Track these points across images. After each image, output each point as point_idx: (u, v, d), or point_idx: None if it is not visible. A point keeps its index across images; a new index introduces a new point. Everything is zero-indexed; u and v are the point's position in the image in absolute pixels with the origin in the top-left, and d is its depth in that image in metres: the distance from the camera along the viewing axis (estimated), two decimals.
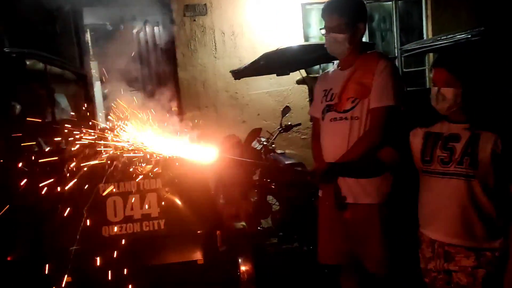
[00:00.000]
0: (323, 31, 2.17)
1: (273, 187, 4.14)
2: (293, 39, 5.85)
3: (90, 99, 5.15)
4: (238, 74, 4.64)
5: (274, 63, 4.23)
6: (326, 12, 2.16)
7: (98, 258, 2.55)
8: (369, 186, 2.07)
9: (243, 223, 3.44)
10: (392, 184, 2.09)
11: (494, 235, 1.74)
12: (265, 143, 4.21)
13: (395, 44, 6.31)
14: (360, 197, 2.08)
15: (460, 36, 3.64)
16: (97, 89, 7.31)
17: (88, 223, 2.55)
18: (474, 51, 1.81)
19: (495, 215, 1.74)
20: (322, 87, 2.27)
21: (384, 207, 2.07)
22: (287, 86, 5.94)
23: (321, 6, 6.22)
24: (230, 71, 4.82)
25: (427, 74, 6.48)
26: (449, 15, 6.31)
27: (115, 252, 2.62)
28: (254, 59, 4.35)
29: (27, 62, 3.17)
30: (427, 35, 6.32)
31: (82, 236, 2.53)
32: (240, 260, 3.03)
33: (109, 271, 2.49)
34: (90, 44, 6.88)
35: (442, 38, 3.96)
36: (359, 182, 2.09)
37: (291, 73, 4.91)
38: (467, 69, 1.76)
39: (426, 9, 6.36)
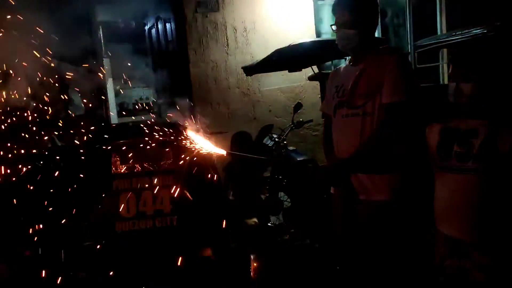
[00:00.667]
0: (334, 27, 2.15)
1: (284, 183, 4.15)
2: (305, 35, 5.81)
3: (102, 96, 5.19)
4: (250, 70, 4.64)
5: (286, 59, 4.21)
6: (337, 8, 2.14)
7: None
8: (381, 182, 2.05)
9: (255, 220, 3.45)
10: (405, 181, 2.06)
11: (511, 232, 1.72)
12: (276, 139, 4.21)
13: (408, 40, 6.24)
14: (372, 194, 2.06)
15: (475, 31, 3.57)
16: (109, 86, 7.37)
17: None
18: (492, 46, 1.78)
19: None
20: (334, 83, 2.26)
21: (396, 203, 2.05)
22: (299, 83, 5.92)
23: (333, 1, 6.17)
24: (242, 68, 4.81)
25: (441, 70, 6.40)
26: (464, 10, 6.21)
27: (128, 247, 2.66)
28: (266, 55, 4.34)
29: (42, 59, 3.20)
30: (441, 31, 6.23)
31: None
32: (252, 257, 3.05)
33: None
34: (102, 41, 6.93)
35: (457, 33, 3.90)
36: (371, 179, 2.07)
37: (303, 70, 4.89)
38: (485, 64, 1.74)
39: (440, 3, 6.27)
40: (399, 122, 1.99)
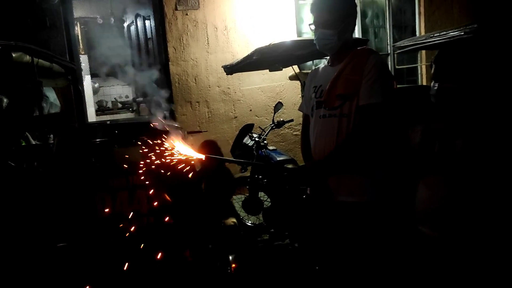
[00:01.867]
0: (313, 27, 2.14)
1: (264, 183, 4.13)
2: (286, 34, 5.81)
3: (79, 93, 5.07)
4: (231, 69, 4.60)
5: (267, 58, 4.18)
6: (316, 8, 2.12)
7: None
8: (358, 183, 2.05)
9: (234, 220, 3.42)
10: (382, 182, 2.06)
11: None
12: (257, 139, 4.18)
13: (388, 41, 6.31)
14: (348, 195, 2.06)
15: (453, 33, 3.62)
16: (87, 83, 7.22)
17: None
18: (472, 48, 1.80)
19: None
20: (313, 84, 2.25)
21: (373, 205, 2.05)
22: (280, 82, 5.91)
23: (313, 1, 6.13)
24: (222, 66, 4.77)
25: (419, 71, 6.49)
26: (442, 13, 6.32)
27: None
28: (246, 54, 4.31)
29: (14, 55, 3.10)
30: (420, 32, 6.32)
31: None
32: (230, 257, 3.02)
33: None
34: (80, 37, 6.78)
35: (435, 35, 3.94)
36: (347, 180, 2.06)
37: (284, 69, 4.87)
38: (466, 65, 1.75)
39: (419, 6, 6.36)
40: (375, 124, 1.99)
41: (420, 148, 1.87)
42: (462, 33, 3.48)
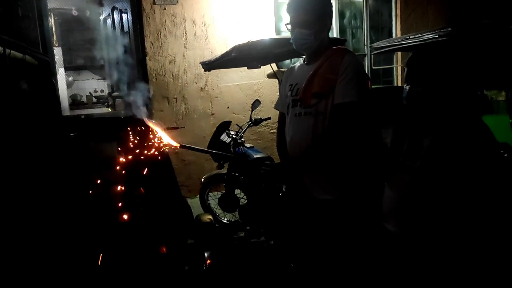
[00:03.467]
0: (289, 26, 2.15)
1: (241, 180, 4.13)
2: (264, 32, 5.82)
3: (53, 87, 4.94)
4: (209, 65, 4.58)
5: (245, 55, 4.18)
6: (292, 8, 2.14)
7: None
8: (331, 181, 2.08)
9: (210, 216, 3.42)
10: (355, 180, 2.10)
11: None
12: (234, 136, 4.18)
13: (365, 42, 6.40)
14: (322, 193, 2.09)
15: (428, 35, 3.70)
16: (61, 76, 7.05)
17: None
18: (445, 51, 1.84)
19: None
20: (288, 82, 2.27)
21: (347, 202, 2.08)
22: (258, 80, 5.92)
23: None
24: (200, 63, 4.75)
25: (394, 72, 6.62)
26: (418, 15, 6.46)
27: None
28: (225, 51, 4.30)
29: None
30: (396, 34, 6.44)
31: None
32: (206, 254, 3.02)
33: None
34: (54, 29, 6.62)
35: (411, 37, 4.03)
36: (321, 177, 2.09)
37: (262, 67, 4.88)
38: (438, 69, 1.79)
39: (396, 8, 6.48)
40: (350, 122, 2.02)
41: (390, 148, 1.91)
42: (437, 36, 3.57)
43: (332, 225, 2.08)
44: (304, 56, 2.30)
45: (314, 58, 2.15)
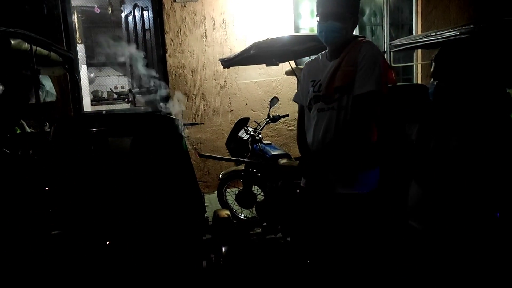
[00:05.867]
0: (319, 18, 2.14)
1: (258, 176, 4.16)
2: (284, 29, 5.82)
3: (75, 83, 5.06)
4: (228, 62, 4.61)
5: (264, 52, 4.20)
6: None
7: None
8: (356, 175, 2.07)
9: (227, 212, 3.44)
10: (381, 174, 2.09)
11: None
12: (252, 133, 4.21)
13: (385, 39, 6.34)
14: (347, 187, 2.08)
15: (449, 33, 3.65)
16: (83, 73, 7.20)
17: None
18: (469, 49, 1.82)
19: None
20: (310, 77, 2.26)
21: (371, 197, 2.07)
22: (276, 77, 5.93)
23: None
24: (220, 59, 4.78)
25: (414, 70, 6.54)
26: (439, 12, 6.36)
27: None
28: (243, 48, 4.32)
29: (12, 42, 3.08)
30: (416, 31, 6.36)
31: None
32: (223, 249, 3.04)
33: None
34: (77, 26, 6.75)
35: (432, 34, 3.97)
36: (345, 172, 2.08)
37: (280, 64, 4.89)
38: (466, 65, 1.78)
39: (417, 5, 6.39)
40: (369, 112, 2.01)
41: (415, 146, 1.90)
42: (458, 33, 3.51)
43: (354, 219, 2.08)
44: (323, 51, 2.30)
45: (337, 54, 2.15)
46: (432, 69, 1.87)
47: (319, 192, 2.16)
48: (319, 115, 2.14)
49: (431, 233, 1.84)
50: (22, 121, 4.34)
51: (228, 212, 3.44)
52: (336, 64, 2.11)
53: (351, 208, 2.07)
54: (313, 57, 2.39)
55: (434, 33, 3.94)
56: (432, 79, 1.87)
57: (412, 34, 6.35)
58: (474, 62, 1.81)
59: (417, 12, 6.41)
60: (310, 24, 6.19)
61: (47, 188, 2.76)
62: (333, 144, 2.07)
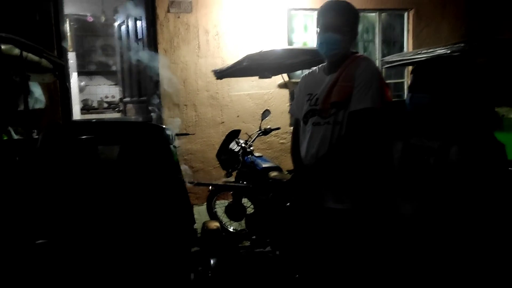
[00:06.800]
0: (319, 30, 2.14)
1: (250, 186, 4.13)
2: (277, 42, 5.85)
3: (66, 90, 5.01)
4: (220, 74, 4.62)
5: (257, 65, 4.21)
6: (329, 10, 2.12)
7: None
8: (346, 191, 2.06)
9: (217, 224, 3.41)
10: (371, 189, 2.08)
11: None
12: (243, 145, 4.19)
13: (377, 55, 6.41)
14: (335, 202, 2.07)
15: (440, 50, 3.70)
16: (74, 81, 7.15)
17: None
18: (452, 64, 1.85)
19: None
20: (307, 90, 2.25)
21: (359, 213, 2.06)
22: (268, 90, 5.94)
23: (306, 12, 6.25)
24: (212, 71, 4.78)
25: (406, 86, 6.60)
26: (431, 31, 6.46)
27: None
28: (237, 60, 4.33)
29: (3, 47, 3.05)
30: (408, 49, 6.45)
31: None
32: (212, 262, 3.00)
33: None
34: (69, 34, 6.73)
35: (423, 52, 4.03)
36: (336, 187, 2.08)
37: (273, 77, 4.91)
38: (443, 78, 1.80)
39: (408, 23, 6.49)
40: (364, 129, 2.00)
41: (399, 164, 1.90)
42: (449, 51, 3.56)
43: (343, 235, 2.06)
44: (320, 65, 2.29)
45: (334, 68, 2.15)
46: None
47: (310, 206, 2.14)
48: (314, 128, 2.14)
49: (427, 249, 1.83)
50: (9, 127, 4.27)
51: (218, 224, 3.40)
52: (334, 78, 2.11)
53: (341, 223, 2.06)
54: (307, 71, 2.39)
55: (425, 51, 4.00)
56: (409, 92, 1.90)
57: (403, 51, 6.44)
58: (450, 74, 1.83)
59: (408, 30, 6.51)
60: (303, 38, 6.24)
61: (33, 196, 2.71)
62: (327, 159, 2.06)
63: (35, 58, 3.52)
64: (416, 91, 1.84)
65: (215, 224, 3.26)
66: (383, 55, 6.21)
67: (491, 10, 6.42)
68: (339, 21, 2.07)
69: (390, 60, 4.68)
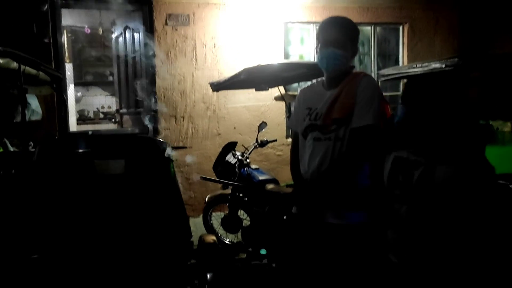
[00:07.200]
0: (320, 45, 2.15)
1: (245, 201, 4.13)
2: (273, 55, 5.90)
3: (62, 102, 5.02)
4: (217, 86, 4.64)
5: (254, 78, 4.24)
6: (331, 26, 2.14)
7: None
8: (348, 207, 2.06)
9: (213, 238, 3.40)
10: (372, 206, 2.09)
11: None
12: (240, 157, 4.20)
13: (372, 68, 6.47)
14: (338, 218, 2.07)
15: (435, 65, 3.74)
16: (70, 92, 7.15)
17: None
18: (445, 79, 1.88)
19: None
20: (306, 105, 2.25)
21: (361, 229, 2.06)
22: (265, 102, 5.97)
23: (303, 25, 6.30)
24: (209, 83, 4.80)
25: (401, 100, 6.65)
26: (424, 44, 6.54)
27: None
28: (233, 73, 4.35)
29: (1, 61, 3.06)
30: (403, 62, 6.52)
31: None
32: (208, 276, 2.99)
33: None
34: (66, 45, 6.75)
35: (418, 65, 4.07)
36: (336, 203, 2.08)
37: (269, 89, 4.94)
38: (435, 92, 1.82)
39: (403, 37, 6.57)
40: (365, 146, 2.02)
41: (388, 177, 1.92)
42: (443, 66, 3.60)
43: (344, 250, 2.06)
44: (319, 79, 2.30)
45: (335, 84, 2.15)
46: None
47: (311, 221, 2.14)
48: (315, 144, 2.14)
49: (408, 268, 1.83)
50: (5, 139, 4.26)
51: (214, 238, 3.40)
52: (335, 94, 2.12)
53: (341, 239, 2.06)
54: (304, 84, 2.41)
55: (420, 64, 4.04)
56: (400, 103, 1.92)
57: (398, 64, 6.51)
58: (442, 91, 1.85)
59: (403, 43, 6.58)
60: (299, 51, 6.29)
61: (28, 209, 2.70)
62: (328, 174, 2.06)
63: (33, 71, 3.53)
64: (406, 103, 1.86)
65: (211, 238, 3.26)
66: (379, 68, 6.27)
67: (482, 25, 6.52)
68: (341, 37, 2.09)
69: (386, 73, 4.72)
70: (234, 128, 5.94)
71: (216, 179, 4.12)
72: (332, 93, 2.14)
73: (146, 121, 5.63)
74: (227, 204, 4.33)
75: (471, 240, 1.72)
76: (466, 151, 1.80)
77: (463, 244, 1.73)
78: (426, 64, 3.94)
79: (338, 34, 2.10)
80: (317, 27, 2.21)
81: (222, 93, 5.59)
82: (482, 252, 1.73)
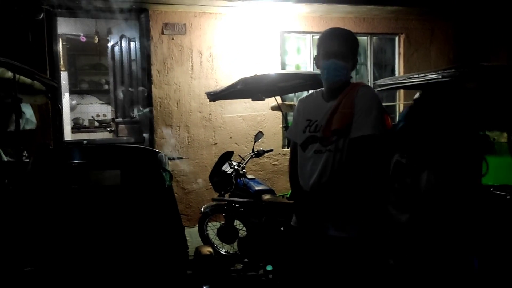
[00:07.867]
0: (321, 57, 2.14)
1: (241, 211, 4.10)
2: (270, 65, 5.91)
3: (57, 111, 4.98)
4: (214, 96, 4.62)
5: (251, 88, 4.23)
6: (332, 38, 2.14)
7: None
8: (348, 219, 2.04)
9: (210, 249, 3.37)
10: (373, 218, 2.07)
11: None
12: (236, 167, 4.17)
13: (369, 78, 6.49)
14: (338, 230, 2.05)
15: (431, 75, 3.75)
16: (65, 100, 7.11)
17: None
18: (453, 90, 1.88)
19: None
20: (305, 116, 2.24)
21: (362, 241, 2.04)
22: (261, 112, 5.96)
23: (299, 35, 6.31)
24: (206, 93, 4.79)
25: (397, 109, 6.67)
26: (420, 54, 6.58)
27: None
28: (230, 82, 4.35)
29: None
30: (399, 72, 6.54)
31: None
32: (204, 287, 2.96)
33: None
34: (61, 54, 6.71)
35: (414, 76, 4.07)
36: (337, 215, 2.05)
37: (266, 99, 4.93)
38: (448, 104, 1.83)
39: (399, 47, 6.61)
40: (365, 156, 2.00)
41: (392, 180, 1.91)
42: (440, 77, 3.61)
43: (344, 263, 2.04)
44: (319, 90, 2.29)
45: (335, 95, 2.14)
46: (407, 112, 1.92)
47: (311, 233, 2.11)
48: (316, 156, 2.12)
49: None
50: None
51: (211, 249, 3.37)
52: (334, 106, 2.11)
53: (342, 252, 2.04)
54: (302, 93, 2.40)
55: (417, 75, 4.05)
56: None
57: (394, 74, 6.53)
58: (447, 104, 1.86)
59: (399, 53, 6.62)
60: (296, 61, 6.30)
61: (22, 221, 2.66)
62: (328, 187, 2.04)
63: (28, 80, 3.50)
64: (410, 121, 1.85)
65: (208, 249, 3.22)
66: (375, 78, 6.29)
67: (477, 37, 6.58)
68: (343, 48, 2.09)
69: (382, 83, 4.72)
70: (231, 137, 5.93)
71: (228, 198, 4.14)
72: (332, 104, 2.13)
73: (141, 131, 5.61)
74: (223, 214, 4.30)
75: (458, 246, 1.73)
76: (454, 159, 1.80)
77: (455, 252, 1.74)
78: (423, 74, 3.95)
79: (339, 46, 2.09)
80: (314, 38, 2.20)
81: (219, 102, 5.57)
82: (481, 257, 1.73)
